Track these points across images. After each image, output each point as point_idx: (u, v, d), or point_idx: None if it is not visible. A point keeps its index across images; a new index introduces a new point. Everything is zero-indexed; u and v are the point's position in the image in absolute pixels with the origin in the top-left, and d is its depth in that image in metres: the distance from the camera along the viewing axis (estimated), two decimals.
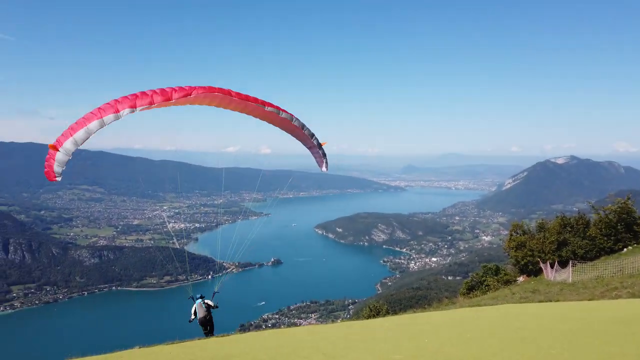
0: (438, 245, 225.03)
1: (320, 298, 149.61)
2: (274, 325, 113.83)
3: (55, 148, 11.79)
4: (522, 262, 33.35)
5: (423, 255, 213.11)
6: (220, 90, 13.11)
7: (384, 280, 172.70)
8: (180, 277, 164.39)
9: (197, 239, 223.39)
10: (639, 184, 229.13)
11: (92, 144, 12.41)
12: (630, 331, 9.59)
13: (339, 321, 39.40)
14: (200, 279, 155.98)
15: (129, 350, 12.40)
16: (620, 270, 22.84)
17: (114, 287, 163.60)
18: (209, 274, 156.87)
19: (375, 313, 33.34)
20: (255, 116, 14.48)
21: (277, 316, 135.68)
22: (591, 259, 28.92)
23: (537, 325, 11.78)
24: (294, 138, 15.97)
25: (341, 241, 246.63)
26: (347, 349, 10.40)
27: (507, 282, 32.25)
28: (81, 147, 12.59)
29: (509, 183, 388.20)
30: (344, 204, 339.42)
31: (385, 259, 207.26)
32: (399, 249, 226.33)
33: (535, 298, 20.48)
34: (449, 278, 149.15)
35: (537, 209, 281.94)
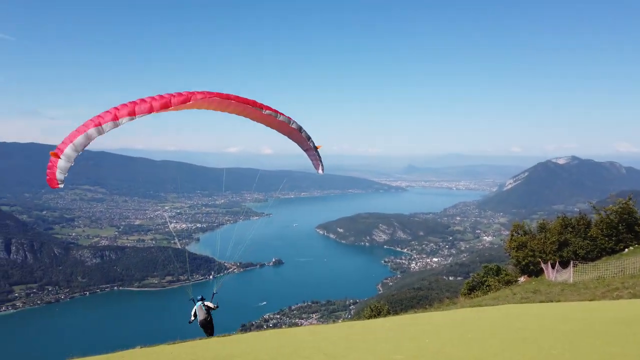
0: (439, 246, 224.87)
1: (322, 298, 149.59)
2: (275, 326, 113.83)
3: (56, 155, 11.95)
4: (523, 263, 33.33)
5: (424, 256, 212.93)
6: (219, 94, 13.27)
7: (385, 281, 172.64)
8: (181, 277, 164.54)
9: (198, 239, 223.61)
10: None
11: (93, 145, 12.48)
12: (631, 332, 9.59)
13: (340, 321, 39.43)
14: (202, 279, 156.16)
15: (131, 350, 12.44)
16: (622, 270, 22.82)
17: (115, 287, 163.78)
18: (210, 274, 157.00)
19: (376, 313, 33.38)
20: (253, 119, 14.65)
21: (278, 316, 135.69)
22: (592, 260, 28.92)
23: (539, 326, 11.78)
24: (292, 140, 16.16)
25: (342, 241, 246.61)
26: (348, 349, 10.42)
27: (508, 283, 32.23)
28: None
29: (510, 183, 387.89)
30: (345, 204, 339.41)
31: (386, 259, 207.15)
32: (400, 249, 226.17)
33: (536, 298, 20.48)
34: (450, 278, 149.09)
35: (538, 209, 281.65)
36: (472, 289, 34.93)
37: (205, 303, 15.65)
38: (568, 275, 25.22)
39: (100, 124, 11.92)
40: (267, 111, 14.10)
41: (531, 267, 32.81)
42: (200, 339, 14.63)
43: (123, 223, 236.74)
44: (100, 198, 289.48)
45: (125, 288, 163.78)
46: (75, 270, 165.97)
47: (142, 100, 12.32)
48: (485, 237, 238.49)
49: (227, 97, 13.44)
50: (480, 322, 14.30)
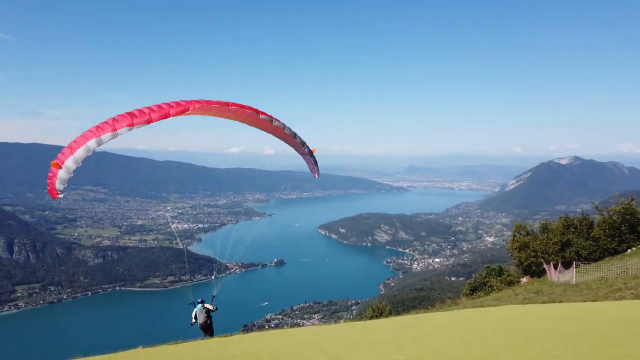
0: (441, 246, 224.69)
1: (323, 298, 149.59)
2: (277, 326, 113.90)
3: (57, 166, 12.14)
4: (526, 263, 33.23)
5: (426, 256, 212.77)
6: (216, 103, 13.59)
7: (387, 281, 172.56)
8: (183, 278, 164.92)
9: (200, 239, 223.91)
10: None
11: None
12: (634, 332, 9.56)
13: (341, 322, 39.46)
14: (204, 279, 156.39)
15: (133, 350, 12.47)
16: (624, 271, 22.75)
17: (117, 287, 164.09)
18: (212, 274, 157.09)
19: (378, 314, 33.36)
20: (249, 124, 15.10)
21: (280, 316, 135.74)
22: (595, 260, 28.82)
23: (541, 327, 11.76)
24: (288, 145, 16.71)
25: (344, 242, 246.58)
26: (350, 349, 10.41)
27: (511, 283, 32.19)
28: None
29: (513, 184, 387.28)
30: (347, 205, 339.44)
31: (388, 260, 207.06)
32: (402, 250, 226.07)
33: (538, 299, 20.44)
34: (452, 279, 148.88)
35: (540, 209, 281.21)
36: (474, 290, 34.89)
37: (205, 305, 15.81)
38: (570, 275, 25.16)
39: (99, 136, 12.17)
40: (263, 116, 14.57)
41: (533, 268, 32.72)
42: (202, 339, 14.69)
43: (125, 223, 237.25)
44: (103, 198, 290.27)
45: (127, 288, 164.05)
46: (77, 270, 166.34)
47: (141, 112, 12.53)
48: (487, 238, 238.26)
49: (225, 104, 13.75)
50: (482, 323, 14.28)
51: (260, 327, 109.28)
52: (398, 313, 32.68)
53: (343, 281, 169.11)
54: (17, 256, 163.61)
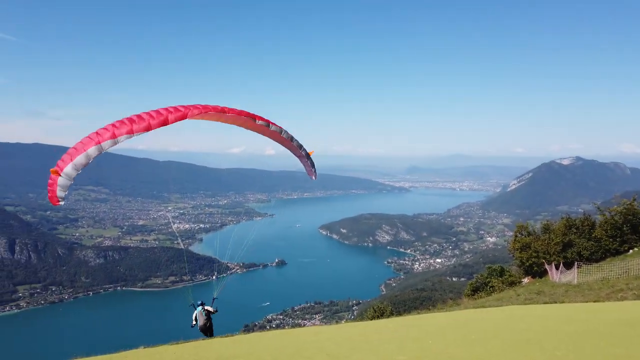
0: (442, 247, 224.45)
1: (325, 299, 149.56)
2: (278, 326, 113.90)
3: (57, 173, 12.22)
4: (527, 264, 33.18)
5: (427, 256, 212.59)
6: (214, 108, 13.71)
7: (388, 281, 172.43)
8: (185, 278, 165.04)
9: (201, 240, 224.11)
10: None
11: None
12: (636, 333, 9.54)
13: (343, 322, 39.47)
14: (205, 279, 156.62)
15: (134, 350, 12.49)
16: (626, 271, 22.70)
17: (119, 287, 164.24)
18: (213, 274, 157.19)
19: (379, 314, 33.35)
20: (247, 128, 15.33)
21: (281, 317, 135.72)
22: (597, 261, 28.75)
23: (542, 327, 11.74)
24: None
25: (345, 242, 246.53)
26: (351, 350, 10.41)
27: (512, 284, 32.13)
28: None
29: (514, 184, 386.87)
30: (348, 205, 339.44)
31: (390, 260, 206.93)
32: (403, 250, 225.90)
33: (540, 299, 20.41)
34: (454, 279, 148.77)
35: (542, 210, 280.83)
36: (475, 290, 34.85)
37: (206, 308, 15.91)
38: (572, 276, 25.12)
39: (99, 143, 12.24)
40: (260, 122, 14.76)
41: (535, 268, 32.67)
42: (203, 339, 14.71)
43: (126, 223, 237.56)
44: (104, 198, 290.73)
45: (129, 288, 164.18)
46: (78, 271, 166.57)
47: (140, 118, 12.63)
48: (489, 238, 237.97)
49: (222, 110, 13.90)
50: (483, 323, 14.26)
51: (262, 328, 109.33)
52: (399, 313, 32.68)
53: (344, 281, 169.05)
54: (19, 256, 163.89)
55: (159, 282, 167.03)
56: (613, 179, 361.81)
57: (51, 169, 12.19)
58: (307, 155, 16.79)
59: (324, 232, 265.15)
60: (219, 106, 13.86)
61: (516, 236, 36.10)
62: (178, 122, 12.98)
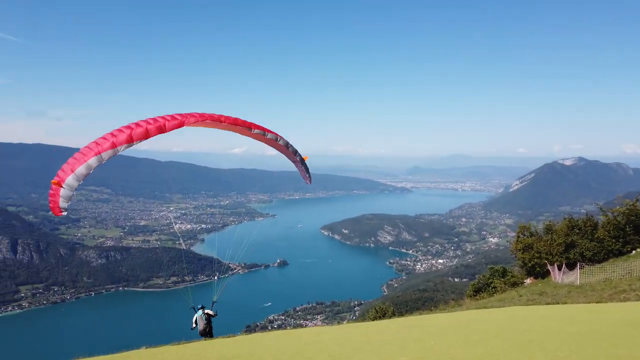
0: (444, 247, 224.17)
1: (326, 299, 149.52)
2: (279, 327, 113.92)
3: (58, 184, 12.25)
4: (530, 264, 33.10)
5: (429, 257, 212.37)
6: (211, 116, 13.97)
7: (390, 282, 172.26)
8: (186, 278, 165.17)
9: (203, 240, 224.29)
10: None
11: None
12: (638, 334, 9.52)
13: (344, 322, 39.45)
14: (207, 280, 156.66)
15: (136, 350, 12.49)
16: (629, 272, 22.64)
17: (120, 288, 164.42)
18: (215, 274, 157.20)
19: (381, 315, 33.32)
20: (243, 135, 15.58)
21: (283, 317, 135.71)
22: (599, 261, 28.67)
23: (544, 328, 11.72)
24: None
25: (347, 242, 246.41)
26: (352, 350, 10.40)
27: (514, 284, 32.04)
28: None
29: (516, 184, 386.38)
30: (349, 205, 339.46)
31: (392, 261, 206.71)
32: (405, 251, 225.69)
33: (542, 300, 20.37)
34: (456, 280, 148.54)
35: (544, 210, 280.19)
36: (477, 291, 34.79)
37: (206, 311, 16.03)
38: (575, 277, 25.06)
39: (99, 153, 12.40)
40: (256, 130, 15.11)
41: (537, 269, 32.58)
42: (204, 340, 14.72)
43: (128, 224, 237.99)
44: (106, 199, 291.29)
45: (131, 288, 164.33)
46: (80, 271, 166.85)
47: (139, 126, 12.79)
48: (491, 239, 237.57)
49: (219, 118, 14.15)
50: (485, 324, 14.23)
51: (263, 328, 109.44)
52: (401, 314, 32.67)
53: (346, 282, 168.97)
54: (21, 256, 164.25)
55: (161, 282, 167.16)
56: (616, 179, 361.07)
57: (52, 181, 12.25)
58: (302, 161, 17.20)
59: (325, 233, 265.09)
60: (215, 114, 14.14)
61: (518, 237, 36.01)
62: (176, 129, 13.20)
